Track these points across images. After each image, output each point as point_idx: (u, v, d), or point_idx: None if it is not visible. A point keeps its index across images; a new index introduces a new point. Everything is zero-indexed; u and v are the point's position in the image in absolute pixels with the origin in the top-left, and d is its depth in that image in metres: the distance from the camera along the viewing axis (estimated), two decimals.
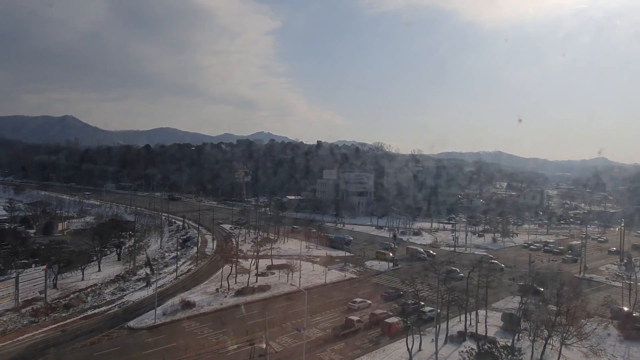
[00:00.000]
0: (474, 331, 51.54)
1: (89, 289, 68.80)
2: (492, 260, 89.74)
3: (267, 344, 45.99)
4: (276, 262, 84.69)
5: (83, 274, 75.99)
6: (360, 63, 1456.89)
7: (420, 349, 47.25)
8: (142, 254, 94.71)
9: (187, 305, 59.54)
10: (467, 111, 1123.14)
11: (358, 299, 64.11)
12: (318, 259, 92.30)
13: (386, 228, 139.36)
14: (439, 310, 52.70)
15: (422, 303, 56.37)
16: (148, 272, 78.81)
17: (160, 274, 78.57)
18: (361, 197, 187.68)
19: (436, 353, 45.87)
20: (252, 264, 77.31)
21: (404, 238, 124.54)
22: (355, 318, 54.71)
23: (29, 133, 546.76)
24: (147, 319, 55.10)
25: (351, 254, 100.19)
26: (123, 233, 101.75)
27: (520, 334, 49.49)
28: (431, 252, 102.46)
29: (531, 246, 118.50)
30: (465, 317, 53.69)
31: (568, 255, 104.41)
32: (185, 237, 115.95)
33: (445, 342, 50.16)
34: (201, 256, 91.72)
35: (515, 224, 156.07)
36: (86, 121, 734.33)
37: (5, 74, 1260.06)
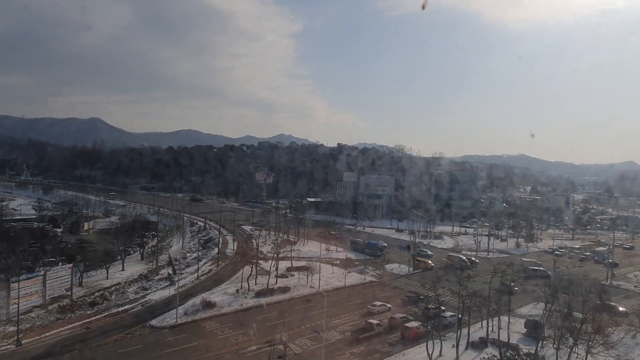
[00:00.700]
0: (496, 337, 50.63)
1: (113, 288, 70.41)
2: (538, 267, 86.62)
3: (287, 345, 46.17)
4: (296, 264, 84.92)
5: (107, 272, 77.74)
6: (381, 65, 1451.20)
7: (440, 355, 46.66)
8: (165, 254, 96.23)
9: (208, 305, 60.19)
10: (489, 113, 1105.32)
11: (378, 302, 63.65)
12: (338, 262, 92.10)
13: (406, 231, 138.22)
14: (460, 316, 51.98)
15: (443, 308, 55.72)
16: (170, 272, 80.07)
17: (182, 274, 79.76)
18: (381, 200, 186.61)
19: (457, 359, 45.25)
20: (272, 266, 77.73)
21: (425, 242, 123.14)
22: (374, 321, 54.40)
23: (57, 135, 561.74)
24: (168, 318, 55.97)
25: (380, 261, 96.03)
26: (146, 233, 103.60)
27: (544, 342, 48.36)
28: (473, 259, 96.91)
29: (556, 252, 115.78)
30: (487, 322, 52.76)
31: (600, 261, 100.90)
32: (206, 238, 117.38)
33: (466, 348, 49.39)
34: (222, 257, 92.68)
35: (539, 229, 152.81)
36: (112, 123, 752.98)
37: (35, 78, 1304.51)
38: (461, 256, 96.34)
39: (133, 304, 62.50)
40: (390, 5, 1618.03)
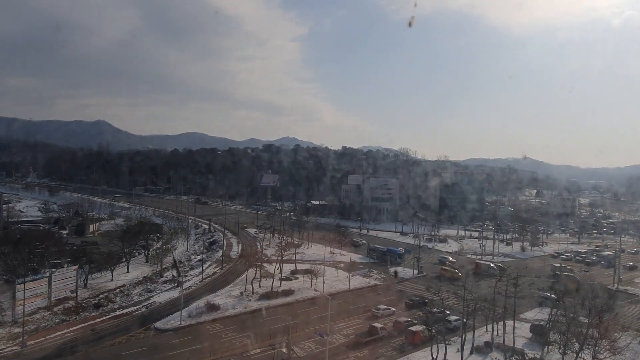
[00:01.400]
0: (501, 342, 50.31)
1: (117, 290, 70.57)
2: (568, 273, 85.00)
3: (290, 348, 46.09)
4: (300, 267, 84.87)
5: (112, 274, 77.96)
6: (386, 69, 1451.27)
7: (445, 359, 46.41)
8: (169, 257, 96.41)
9: (212, 307, 60.26)
10: (494, 117, 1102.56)
11: (382, 306, 63.47)
12: (342, 265, 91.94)
13: (411, 235, 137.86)
14: (464, 320, 51.68)
15: (448, 312, 55.49)
16: (175, 274, 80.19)
17: (186, 276, 79.83)
18: (386, 203, 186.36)
19: None
20: (276, 269, 77.70)
21: (429, 245, 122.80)
22: (379, 325, 54.19)
23: (63, 137, 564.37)
24: (173, 321, 56.05)
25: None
26: (151, 235, 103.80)
27: (550, 347, 47.98)
28: (501, 265, 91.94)
29: (562, 256, 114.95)
30: (492, 327, 52.47)
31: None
32: (211, 240, 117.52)
33: (471, 353, 49.11)
34: (226, 259, 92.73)
35: (545, 233, 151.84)
36: (117, 126, 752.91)
37: (42, 81, 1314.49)
38: (490, 264, 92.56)
39: (137, 306, 62.60)
40: (396, 9, 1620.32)
